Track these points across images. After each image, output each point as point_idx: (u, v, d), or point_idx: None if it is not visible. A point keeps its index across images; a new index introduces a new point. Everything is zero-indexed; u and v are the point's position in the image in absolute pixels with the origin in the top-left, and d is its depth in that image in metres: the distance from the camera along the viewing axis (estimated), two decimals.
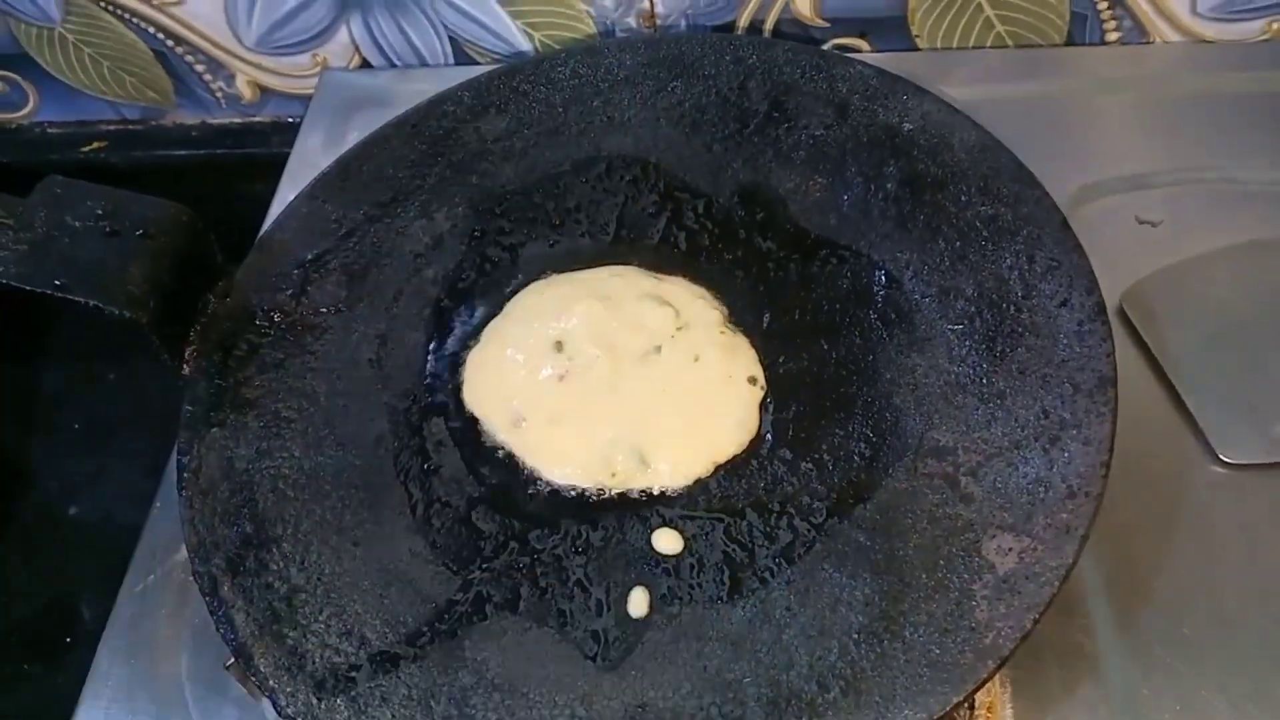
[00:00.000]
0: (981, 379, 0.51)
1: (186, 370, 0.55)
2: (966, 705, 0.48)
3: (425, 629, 0.47)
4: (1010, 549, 0.45)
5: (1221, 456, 0.55)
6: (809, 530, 0.48)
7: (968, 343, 0.52)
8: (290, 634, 0.47)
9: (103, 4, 0.80)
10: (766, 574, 0.48)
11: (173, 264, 0.53)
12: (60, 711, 0.56)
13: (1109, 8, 0.74)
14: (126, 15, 0.81)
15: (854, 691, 0.43)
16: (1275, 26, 0.73)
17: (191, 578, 0.55)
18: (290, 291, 0.58)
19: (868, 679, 0.43)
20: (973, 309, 0.53)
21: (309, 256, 0.60)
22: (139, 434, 0.87)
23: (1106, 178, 0.67)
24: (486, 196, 0.62)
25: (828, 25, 0.76)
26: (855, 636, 0.44)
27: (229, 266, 0.59)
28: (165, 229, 0.53)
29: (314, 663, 0.46)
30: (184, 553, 0.57)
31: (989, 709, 0.49)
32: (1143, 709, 0.49)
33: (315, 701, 0.45)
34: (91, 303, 0.51)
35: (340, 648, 0.47)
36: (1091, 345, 0.49)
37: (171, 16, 0.81)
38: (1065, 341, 0.50)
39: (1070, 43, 0.76)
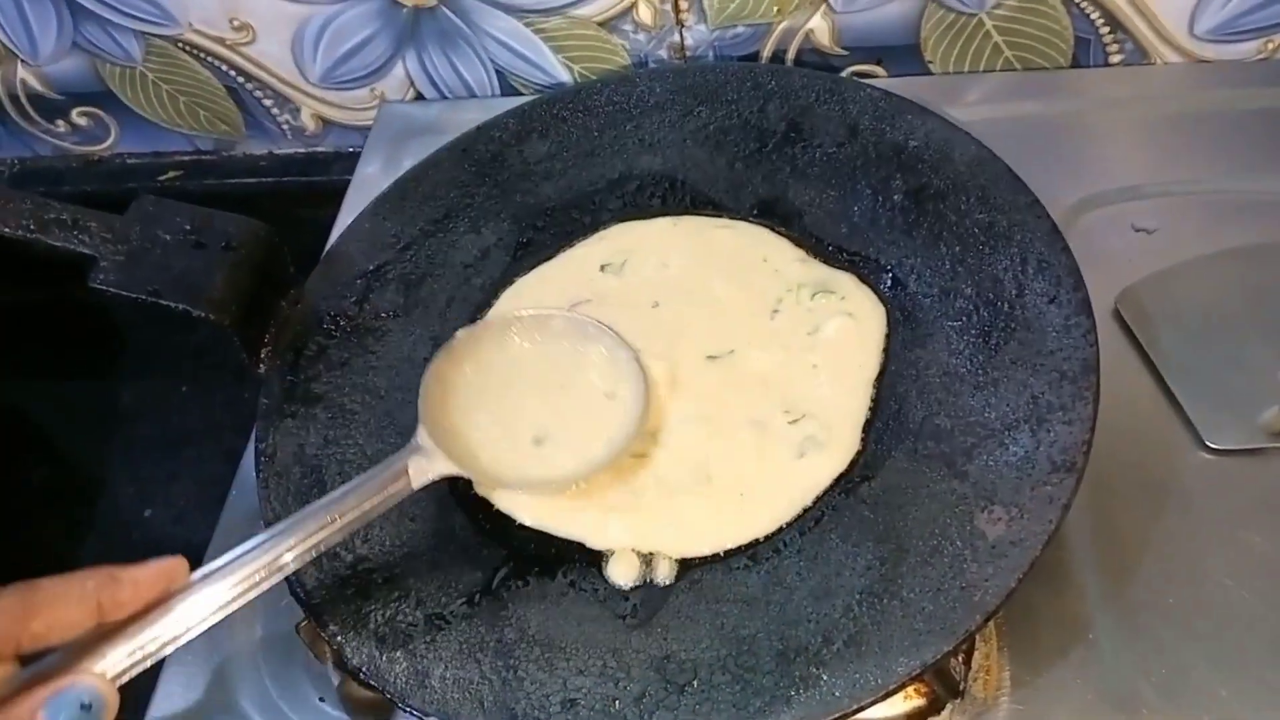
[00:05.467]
0: (977, 369, 0.55)
1: (262, 368, 0.62)
2: (964, 664, 0.52)
3: (473, 592, 0.53)
4: (1000, 519, 0.50)
5: (1208, 442, 0.59)
6: (819, 505, 0.54)
7: (965, 337, 0.57)
8: (355, 597, 0.53)
9: (180, 45, 0.88)
10: (780, 544, 0.53)
11: (252, 273, 0.59)
12: (137, 685, 0.62)
13: (1110, 32, 0.78)
14: (202, 54, 0.88)
15: (855, 644, 0.48)
16: (1270, 46, 0.78)
17: None
18: (354, 299, 0.65)
19: (868, 633, 0.48)
20: (970, 307, 0.57)
21: (370, 267, 0.66)
22: (207, 443, 0.93)
23: (1106, 189, 0.71)
24: (529, 213, 0.69)
25: (846, 54, 0.82)
26: (858, 597, 0.49)
27: (299, 277, 0.65)
28: (246, 242, 0.59)
29: (376, 621, 0.52)
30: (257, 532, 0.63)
31: (987, 671, 0.54)
32: (1130, 671, 0.53)
33: (377, 654, 0.51)
34: (181, 307, 0.58)
35: (399, 609, 0.52)
36: (1077, 337, 0.53)
37: (243, 55, 0.88)
38: (1054, 334, 0.54)
39: (1075, 65, 0.81)
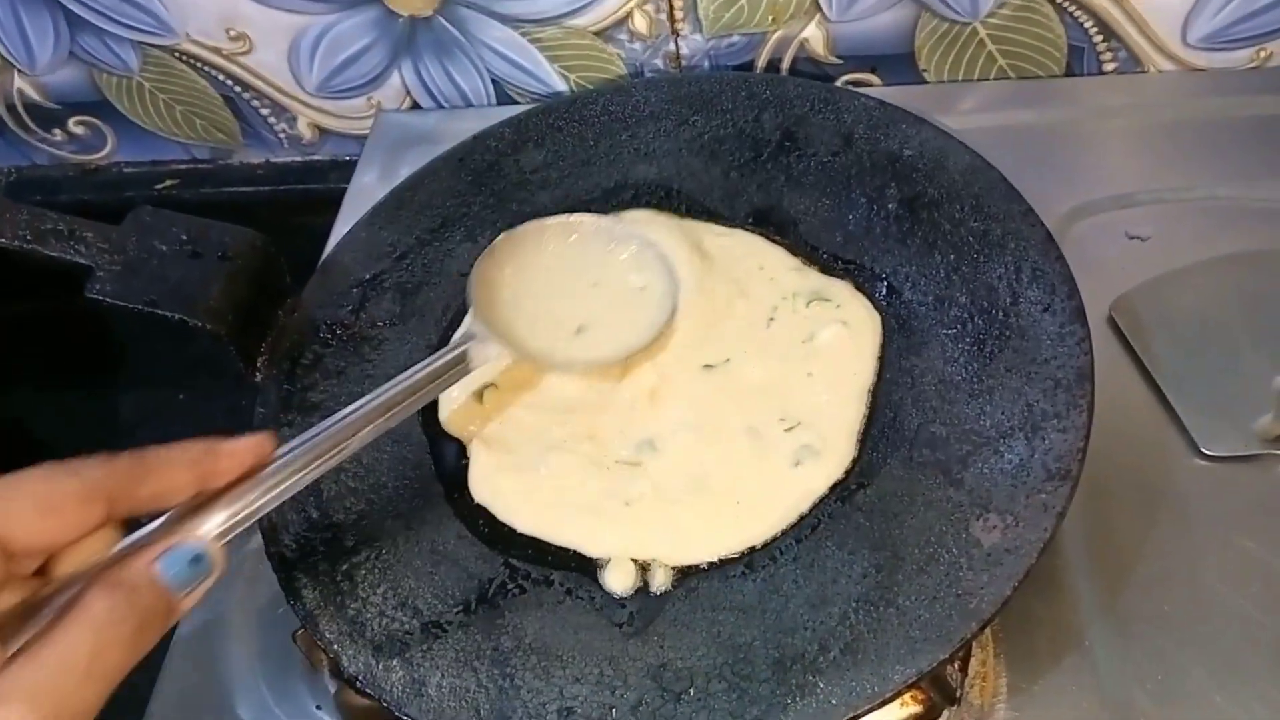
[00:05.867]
0: (972, 377, 0.56)
1: (259, 377, 0.62)
2: (960, 671, 0.52)
3: (470, 600, 0.53)
4: (995, 526, 0.50)
5: (1203, 449, 0.59)
6: (815, 513, 0.54)
7: (960, 345, 0.57)
8: (351, 605, 0.53)
9: (177, 55, 0.88)
10: (776, 552, 0.53)
11: (248, 283, 0.60)
12: (134, 689, 0.62)
13: (1104, 40, 0.79)
14: (199, 64, 0.89)
15: (851, 652, 0.48)
16: (1262, 54, 0.78)
17: (260, 566, 0.61)
18: (350, 308, 0.65)
19: (864, 641, 0.48)
20: (965, 315, 0.58)
21: (367, 276, 0.66)
22: None
23: (1100, 197, 0.72)
24: (525, 222, 0.69)
25: (840, 62, 0.82)
26: (854, 604, 0.49)
27: (295, 286, 0.65)
28: (242, 252, 0.60)
29: (372, 630, 0.52)
30: (254, 544, 0.63)
31: (983, 678, 0.54)
32: (1126, 678, 0.53)
33: (374, 663, 0.51)
34: (177, 316, 0.58)
35: (395, 617, 0.52)
36: (1071, 345, 0.54)
37: (240, 65, 0.88)
38: (1048, 342, 0.54)
39: (1069, 74, 0.81)
